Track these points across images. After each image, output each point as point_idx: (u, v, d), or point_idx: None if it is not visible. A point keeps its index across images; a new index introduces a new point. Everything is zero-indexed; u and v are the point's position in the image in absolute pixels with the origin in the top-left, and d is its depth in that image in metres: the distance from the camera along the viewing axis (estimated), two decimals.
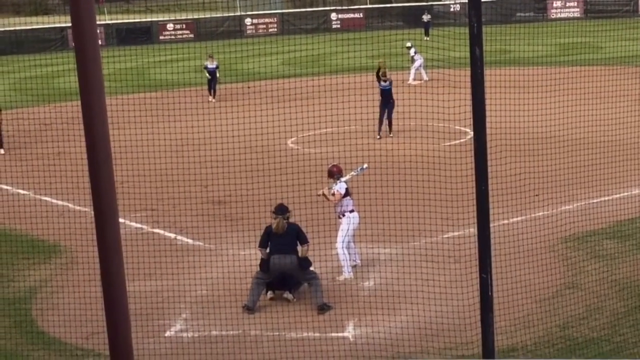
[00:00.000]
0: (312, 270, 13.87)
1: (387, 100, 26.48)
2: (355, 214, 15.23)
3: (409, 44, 38.43)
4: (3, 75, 44.43)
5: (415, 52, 37.95)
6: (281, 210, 13.96)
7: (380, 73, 26.70)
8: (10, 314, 13.85)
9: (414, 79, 37.11)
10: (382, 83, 26.63)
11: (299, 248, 13.86)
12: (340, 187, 15.12)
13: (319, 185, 15.75)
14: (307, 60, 38.01)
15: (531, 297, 13.14)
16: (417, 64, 37.82)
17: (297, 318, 13.12)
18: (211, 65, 36.45)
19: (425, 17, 57.14)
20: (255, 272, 13.92)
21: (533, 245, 14.67)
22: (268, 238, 13.86)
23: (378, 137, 26.44)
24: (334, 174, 15.42)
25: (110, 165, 4.72)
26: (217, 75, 36.53)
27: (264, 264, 13.76)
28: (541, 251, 15.01)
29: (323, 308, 13.53)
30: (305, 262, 13.80)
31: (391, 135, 26.65)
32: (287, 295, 14.06)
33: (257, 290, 13.74)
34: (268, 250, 13.81)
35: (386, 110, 26.60)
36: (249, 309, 13.57)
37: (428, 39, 48.45)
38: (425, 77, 37.09)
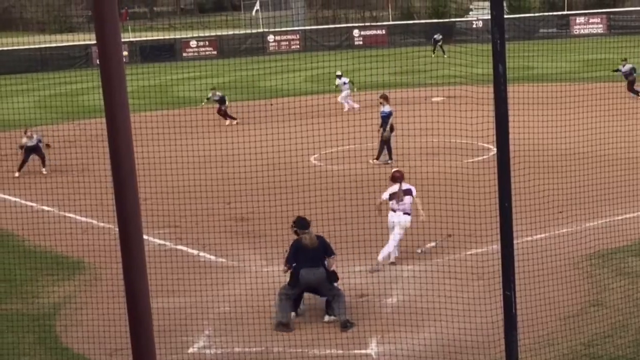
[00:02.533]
0: (336, 287, 13.80)
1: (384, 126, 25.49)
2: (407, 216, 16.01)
3: (339, 73, 37.19)
4: (29, 93, 44.81)
5: (345, 81, 36.89)
6: (304, 224, 13.91)
7: (380, 96, 25.95)
8: (34, 330, 13.90)
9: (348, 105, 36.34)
10: (382, 109, 25.88)
11: (326, 261, 13.77)
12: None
13: (341, 202, 15.76)
14: (330, 77, 38.07)
15: (555, 315, 13.05)
16: (344, 93, 36.78)
17: (320, 335, 13.08)
18: (215, 98, 35.29)
19: (437, 37, 57.69)
20: (280, 288, 13.82)
21: (557, 263, 14.58)
22: (297, 253, 13.77)
23: (389, 161, 24.89)
24: (398, 178, 15.93)
25: (135, 181, 4.74)
26: (226, 103, 35.10)
27: (293, 277, 13.68)
28: (565, 268, 14.89)
29: (346, 325, 13.47)
30: (332, 276, 13.72)
31: (390, 161, 24.82)
32: (328, 318, 13.86)
33: (287, 304, 13.60)
34: (295, 264, 13.71)
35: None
36: (284, 324, 13.42)
37: (434, 55, 49.07)
38: (355, 106, 35.80)
